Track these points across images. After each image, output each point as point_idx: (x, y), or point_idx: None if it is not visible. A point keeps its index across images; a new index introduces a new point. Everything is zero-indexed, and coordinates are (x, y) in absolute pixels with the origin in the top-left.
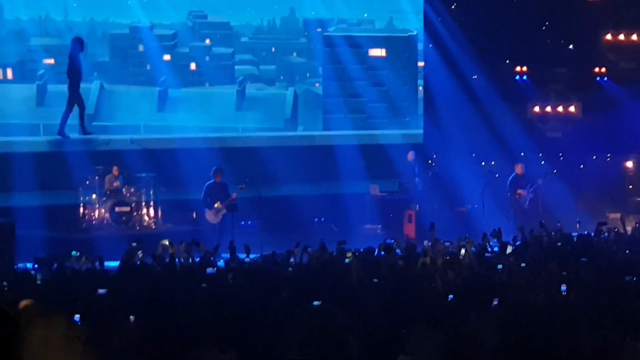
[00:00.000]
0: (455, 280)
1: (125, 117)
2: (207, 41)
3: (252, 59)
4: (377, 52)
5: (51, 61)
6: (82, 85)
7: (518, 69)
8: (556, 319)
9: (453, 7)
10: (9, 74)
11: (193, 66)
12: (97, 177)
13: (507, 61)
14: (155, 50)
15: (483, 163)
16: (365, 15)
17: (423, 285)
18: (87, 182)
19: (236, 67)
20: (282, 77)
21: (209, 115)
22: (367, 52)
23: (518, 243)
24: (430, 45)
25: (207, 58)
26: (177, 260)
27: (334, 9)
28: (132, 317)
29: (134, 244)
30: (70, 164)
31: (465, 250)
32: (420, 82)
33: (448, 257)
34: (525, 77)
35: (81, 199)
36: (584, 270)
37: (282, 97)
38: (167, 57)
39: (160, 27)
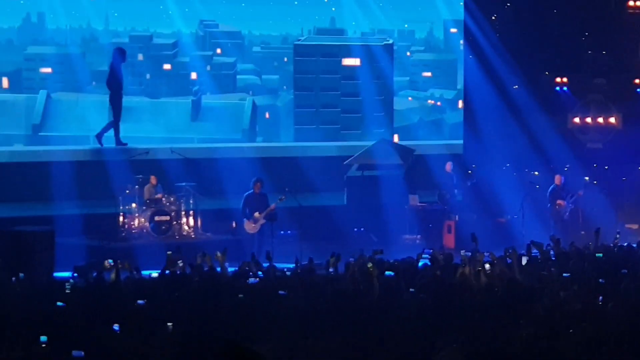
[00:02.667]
0: (494, 290)
1: (74, 127)
2: (219, 50)
3: (254, 69)
4: (351, 61)
5: (48, 70)
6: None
7: (558, 79)
8: (594, 329)
9: (493, 17)
10: (5, 82)
11: (194, 75)
12: (137, 186)
13: (547, 72)
14: (155, 59)
15: (527, 170)
16: (406, 26)
17: (461, 295)
18: (127, 191)
19: (238, 76)
20: (285, 86)
21: (163, 125)
22: (340, 61)
23: (551, 252)
24: (471, 56)
25: (208, 67)
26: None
27: (375, 20)
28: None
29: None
30: (111, 173)
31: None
32: (404, 92)
33: (488, 268)
34: (565, 88)
35: (121, 207)
36: (625, 281)
37: (240, 108)
38: (167, 66)
39: (160, 37)
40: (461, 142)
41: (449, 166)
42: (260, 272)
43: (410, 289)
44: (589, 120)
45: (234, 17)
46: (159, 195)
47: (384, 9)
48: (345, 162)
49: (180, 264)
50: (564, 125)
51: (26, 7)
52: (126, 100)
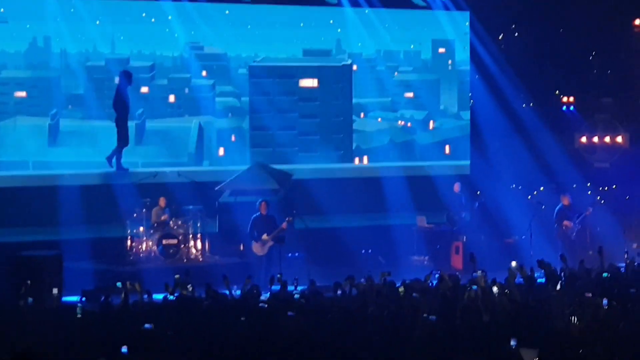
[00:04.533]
0: (502, 311)
1: (12, 153)
2: (204, 73)
3: (233, 91)
4: (309, 82)
5: (23, 94)
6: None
7: (565, 99)
8: (604, 349)
9: (500, 37)
10: None
11: (172, 98)
12: (144, 210)
13: (554, 92)
14: (132, 82)
15: (530, 196)
16: (412, 46)
17: (469, 316)
18: (135, 215)
19: (217, 99)
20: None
21: (100, 149)
22: (297, 82)
23: (562, 274)
24: (477, 76)
25: (187, 90)
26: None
27: (381, 41)
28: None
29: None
30: (118, 197)
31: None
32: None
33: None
34: (572, 108)
35: (128, 231)
36: (632, 302)
37: (186, 130)
38: (144, 89)
39: (138, 59)
40: (468, 162)
41: (457, 187)
42: (267, 295)
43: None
44: (596, 139)
45: (240, 39)
46: (165, 217)
47: (390, 30)
48: (216, 188)
49: (190, 288)
50: (571, 145)
51: (33, 31)
52: (64, 125)
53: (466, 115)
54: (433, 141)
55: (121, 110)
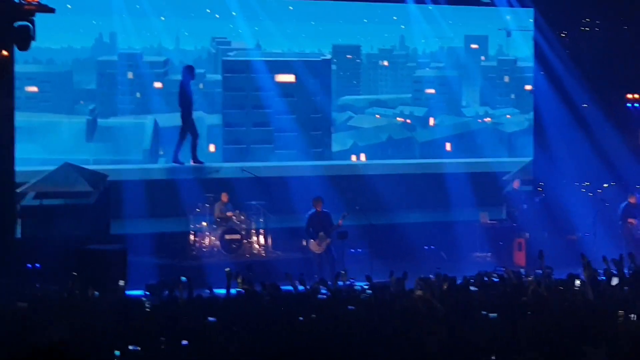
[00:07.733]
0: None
1: None
2: None
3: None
4: (286, 77)
5: (34, 89)
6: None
7: (629, 96)
8: None
9: (563, 34)
10: None
11: None
12: (207, 205)
13: (619, 88)
14: (146, 77)
15: (598, 191)
16: (477, 46)
17: (532, 314)
18: (198, 210)
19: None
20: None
21: (55, 146)
22: (273, 77)
23: (629, 271)
24: (541, 73)
25: (201, 85)
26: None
27: (444, 38)
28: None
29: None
30: (181, 192)
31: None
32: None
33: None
34: (637, 105)
35: (191, 226)
36: None
37: (140, 127)
38: (158, 84)
39: (151, 54)
40: (531, 159)
41: (517, 184)
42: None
43: (483, 312)
44: None
45: (303, 35)
46: (230, 214)
47: (454, 27)
48: (18, 190)
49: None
50: (635, 142)
51: (99, 27)
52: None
53: (468, 111)
54: (432, 138)
55: (185, 105)
